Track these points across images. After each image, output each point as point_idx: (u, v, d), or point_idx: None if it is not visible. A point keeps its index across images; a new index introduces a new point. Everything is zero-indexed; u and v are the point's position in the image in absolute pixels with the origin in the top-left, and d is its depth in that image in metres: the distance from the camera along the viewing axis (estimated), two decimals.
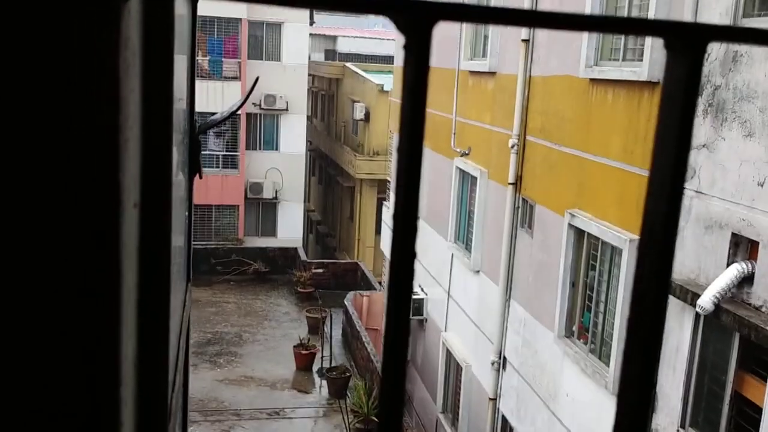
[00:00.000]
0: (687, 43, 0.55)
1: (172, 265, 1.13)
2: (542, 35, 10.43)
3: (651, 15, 7.70)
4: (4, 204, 0.47)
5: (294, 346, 18.87)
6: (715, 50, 6.84)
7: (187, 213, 1.65)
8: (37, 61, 0.46)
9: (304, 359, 18.62)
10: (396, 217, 0.54)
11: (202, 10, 27.88)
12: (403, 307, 0.53)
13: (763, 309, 6.14)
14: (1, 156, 0.47)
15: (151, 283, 0.71)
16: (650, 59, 7.68)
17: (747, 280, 6.32)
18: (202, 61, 26.60)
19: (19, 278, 0.48)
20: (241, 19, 26.59)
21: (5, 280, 0.48)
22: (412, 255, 0.53)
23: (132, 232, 0.63)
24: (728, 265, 6.49)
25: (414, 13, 0.50)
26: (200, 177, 1.76)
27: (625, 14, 8.48)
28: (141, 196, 0.67)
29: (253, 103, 27.29)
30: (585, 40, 9.00)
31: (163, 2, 0.69)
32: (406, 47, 0.52)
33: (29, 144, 0.47)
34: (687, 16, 7.14)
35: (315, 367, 18.68)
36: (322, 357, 18.58)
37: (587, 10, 8.94)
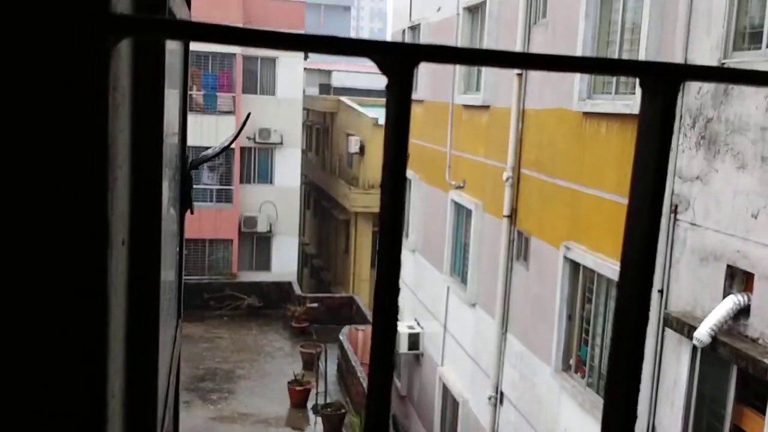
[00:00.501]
0: (661, 82, 0.57)
1: (162, 301, 1.14)
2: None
3: (642, 47, 7.80)
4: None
5: (288, 382, 18.69)
6: (706, 83, 6.92)
7: (178, 249, 1.65)
8: (28, 101, 0.47)
9: (299, 396, 18.43)
10: (380, 252, 0.55)
11: (197, 45, 28.17)
12: (388, 343, 0.54)
13: (760, 341, 6.13)
14: None
15: (140, 320, 0.71)
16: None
17: (743, 312, 6.32)
18: (197, 95, 26.76)
19: (2, 315, 0.49)
20: (235, 54, 26.82)
21: None
22: (396, 288, 0.54)
23: (121, 268, 0.64)
24: (724, 297, 6.48)
25: (395, 55, 0.51)
26: (191, 212, 1.77)
27: (617, 47, 8.59)
28: (130, 233, 0.68)
29: (248, 137, 27.39)
30: (578, 74, 9.10)
31: (153, 46, 0.70)
32: (388, 87, 0.53)
33: (17, 181, 0.48)
34: (678, 49, 7.24)
35: (310, 404, 18.48)
36: (317, 393, 18.39)
37: (579, 43, 9.06)
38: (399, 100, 0.53)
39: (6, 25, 0.46)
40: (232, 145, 27.20)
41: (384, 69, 0.53)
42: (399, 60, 0.52)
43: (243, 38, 0.50)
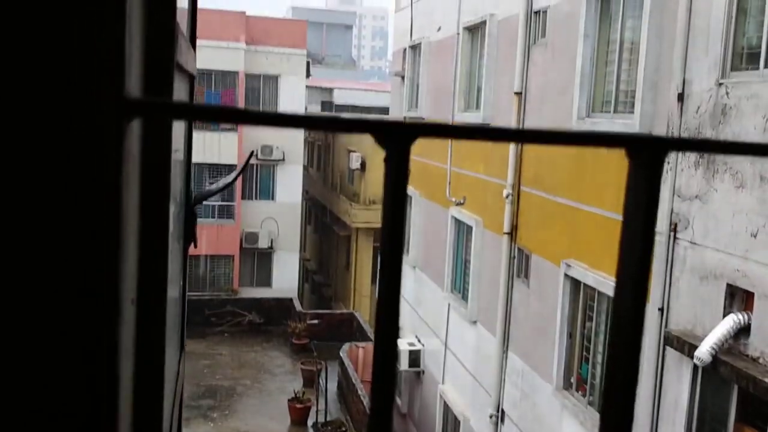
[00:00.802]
0: (647, 154, 0.59)
1: (167, 339, 1.16)
2: (535, 87, 10.60)
3: (641, 67, 7.85)
4: (4, 305, 0.51)
5: (288, 400, 18.63)
6: (704, 102, 6.96)
7: (181, 282, 1.68)
8: (48, 175, 0.50)
9: (299, 413, 18.36)
10: (378, 317, 0.57)
11: (200, 63, 28.24)
12: (390, 360, 0.56)
13: (761, 360, 6.13)
14: (5, 253, 0.50)
15: (144, 372, 0.73)
16: (641, 111, 7.80)
17: (744, 331, 6.32)
18: None
19: (17, 374, 0.51)
20: (238, 72, 26.96)
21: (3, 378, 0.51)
22: (396, 313, 0.56)
23: (129, 328, 0.66)
24: (724, 315, 6.49)
25: (394, 133, 0.54)
26: (195, 246, 1.80)
27: (616, 66, 8.64)
28: (138, 293, 0.71)
29: (254, 157, 27.43)
30: (577, 92, 9.15)
31: (162, 122, 0.73)
32: (386, 160, 0.56)
33: (35, 247, 0.51)
34: (676, 69, 7.28)
35: (310, 422, 18.41)
36: (317, 411, 18.32)
37: (578, 63, 9.11)
38: (397, 173, 0.56)
39: (27, 108, 0.49)
40: (235, 162, 27.24)
41: (383, 144, 0.56)
42: (397, 137, 0.55)
43: (247, 118, 0.53)
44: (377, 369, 0.55)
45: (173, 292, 1.40)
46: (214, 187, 2.68)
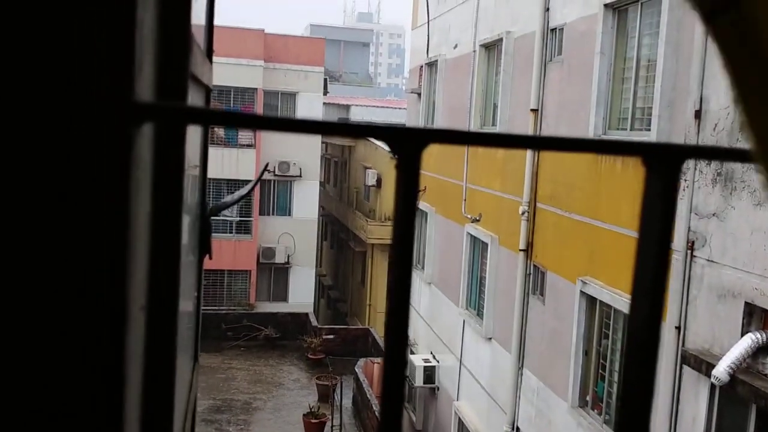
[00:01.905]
0: (663, 161, 0.58)
1: (178, 349, 1.16)
2: (551, 104, 10.59)
3: (657, 84, 7.82)
4: (11, 311, 0.51)
5: (303, 415, 18.58)
6: (722, 120, 6.92)
7: (196, 293, 1.68)
8: (54, 177, 0.50)
9: (314, 428, 18.30)
10: (387, 327, 0.57)
11: (219, 80, 28.39)
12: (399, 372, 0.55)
13: None
14: (11, 261, 0.50)
15: (155, 381, 0.73)
16: (658, 129, 7.77)
17: (762, 350, 6.24)
18: (218, 128, 27.06)
19: (25, 382, 0.51)
20: (257, 89, 27.15)
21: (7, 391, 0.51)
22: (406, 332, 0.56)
23: (138, 334, 0.66)
24: (742, 334, 6.41)
25: (406, 139, 0.54)
26: (210, 258, 1.80)
27: (632, 83, 8.61)
28: (148, 298, 0.70)
29: (267, 170, 27.61)
30: (593, 108, 9.13)
31: (175, 126, 0.74)
32: (397, 167, 0.56)
33: (44, 253, 0.51)
34: (693, 86, 7.24)
35: None
36: (332, 426, 18.26)
37: (594, 80, 9.09)
38: (408, 179, 0.56)
39: (34, 111, 0.49)
40: (252, 178, 27.39)
41: (395, 150, 0.56)
42: (409, 142, 0.55)
43: (259, 124, 0.53)
44: (386, 385, 0.54)
45: (187, 302, 1.40)
46: (229, 199, 2.69)
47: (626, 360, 0.61)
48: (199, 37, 1.50)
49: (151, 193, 0.67)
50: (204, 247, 1.69)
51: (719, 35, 0.48)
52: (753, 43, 0.46)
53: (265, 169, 3.30)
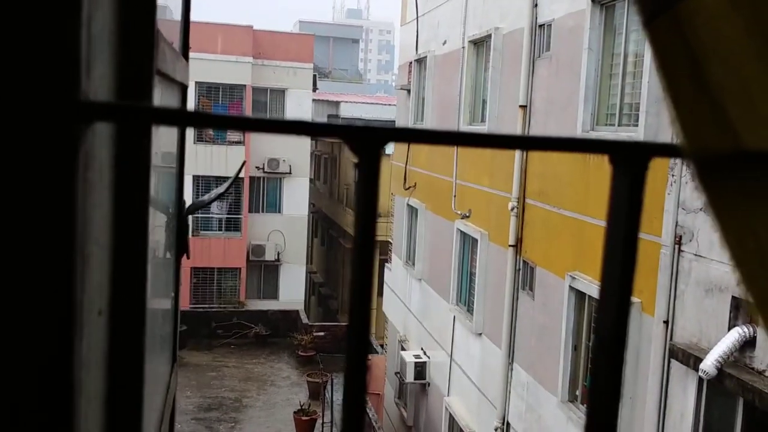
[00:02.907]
0: (629, 160, 0.58)
1: (153, 348, 1.14)
2: (539, 100, 10.60)
3: (645, 80, 7.83)
4: None
5: (294, 412, 18.57)
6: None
7: (173, 294, 1.66)
8: None
9: (305, 425, 18.30)
10: (350, 326, 0.55)
11: (208, 76, 28.14)
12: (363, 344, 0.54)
13: (767, 373, 6.07)
14: None
15: (122, 386, 0.72)
16: (646, 124, 7.78)
17: (749, 343, 6.27)
18: None
19: None
20: (245, 85, 27.07)
21: None
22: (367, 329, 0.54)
23: (97, 338, 0.65)
24: (730, 328, 6.44)
25: (365, 138, 0.53)
26: (188, 257, 1.79)
27: (620, 79, 8.63)
28: (110, 302, 0.69)
29: (257, 167, 27.56)
30: (581, 104, 9.14)
31: (137, 127, 0.72)
32: (357, 166, 0.55)
33: None
34: None
35: None
36: (323, 423, 18.26)
37: (582, 76, 9.10)
38: (368, 178, 0.55)
39: None
40: (242, 175, 27.33)
41: (354, 150, 0.55)
42: (367, 141, 0.54)
43: (212, 123, 0.51)
44: (350, 340, 0.53)
45: (162, 303, 1.38)
46: (206, 197, 2.67)
47: (594, 359, 0.60)
48: (172, 34, 1.48)
49: (112, 194, 0.66)
50: (181, 247, 1.67)
51: (655, 37, 0.49)
52: (686, 45, 0.47)
53: (242, 167, 3.28)
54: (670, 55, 0.49)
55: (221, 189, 2.64)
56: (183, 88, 1.65)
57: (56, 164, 0.48)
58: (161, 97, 1.09)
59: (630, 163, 0.57)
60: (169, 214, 1.50)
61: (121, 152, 0.66)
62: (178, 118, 0.52)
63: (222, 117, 0.52)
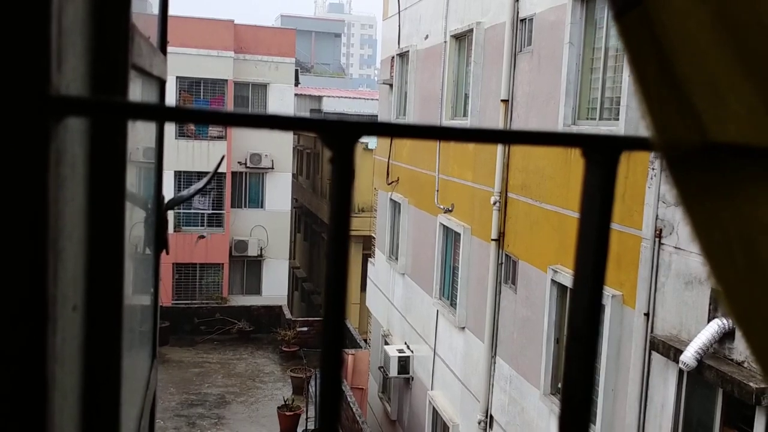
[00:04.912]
0: (602, 153, 0.58)
1: (131, 344, 1.14)
2: (521, 95, 10.63)
3: (625, 74, 7.88)
4: None
5: (278, 408, 18.55)
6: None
7: (153, 289, 1.66)
8: None
9: (289, 421, 18.28)
10: (325, 319, 0.56)
11: (189, 71, 27.97)
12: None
13: (745, 365, 6.15)
14: None
15: (98, 382, 0.71)
16: (626, 118, 7.83)
17: (728, 335, 6.34)
18: None
19: None
20: (227, 80, 26.93)
21: None
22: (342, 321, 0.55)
23: (71, 333, 0.64)
24: (709, 320, 6.51)
25: (338, 131, 0.53)
26: (167, 253, 1.78)
27: (601, 73, 8.68)
28: (86, 297, 0.68)
29: (239, 162, 27.45)
30: (563, 98, 9.18)
31: (111, 122, 0.71)
32: (331, 161, 0.55)
33: None
34: None
35: (300, 429, 18.34)
36: (306, 418, 18.26)
37: (563, 70, 9.14)
38: (342, 172, 0.55)
39: None
40: (224, 170, 27.20)
41: (327, 144, 0.55)
42: (341, 135, 0.54)
43: (181, 116, 0.51)
44: (325, 338, 0.53)
45: (140, 299, 1.38)
46: (185, 192, 2.67)
47: (567, 349, 0.61)
48: (150, 28, 1.47)
49: (86, 189, 0.65)
50: (160, 242, 1.67)
51: (625, 31, 0.50)
52: (655, 40, 0.48)
53: (220, 162, 3.26)
54: (639, 49, 0.50)
55: (200, 184, 2.63)
56: (161, 83, 1.64)
57: (26, 160, 0.48)
58: (138, 92, 1.09)
59: (602, 156, 0.58)
60: (148, 210, 1.49)
61: (96, 148, 0.66)
62: (154, 112, 0.52)
63: (197, 111, 0.52)
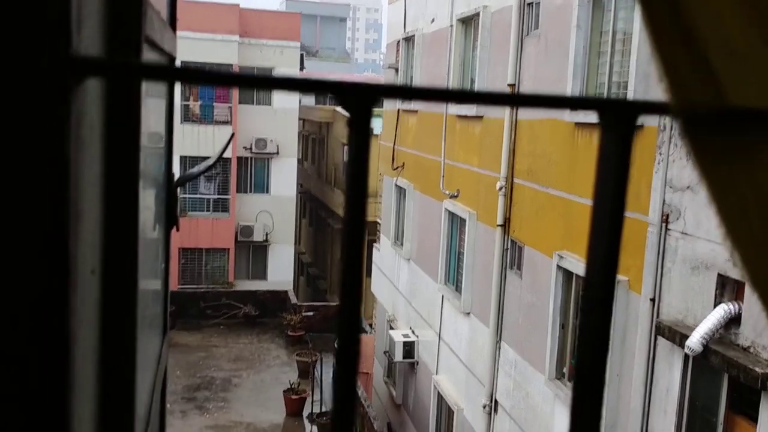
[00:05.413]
0: (618, 118, 0.58)
1: (143, 318, 1.15)
2: (528, 79, 10.59)
3: (633, 58, 7.83)
4: None
5: (284, 391, 18.66)
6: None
7: (163, 265, 1.67)
8: None
9: (295, 404, 18.39)
10: (343, 281, 0.56)
11: (193, 56, 27.93)
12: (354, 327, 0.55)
13: (751, 350, 6.15)
14: None
15: (114, 347, 0.72)
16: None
17: (734, 320, 6.34)
18: (194, 105, 26.80)
19: None
20: (232, 65, 26.87)
21: None
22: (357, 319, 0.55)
23: (90, 297, 0.65)
24: (715, 305, 6.51)
25: (356, 94, 0.53)
26: (177, 230, 1.78)
27: (608, 57, 8.63)
28: (103, 262, 0.69)
29: (244, 147, 27.45)
30: (570, 82, 9.14)
31: (128, 83, 0.72)
32: (349, 123, 0.55)
33: None
34: None
35: (305, 412, 18.45)
36: (312, 402, 18.36)
37: (570, 54, 9.10)
38: (360, 134, 0.55)
39: None
40: (230, 155, 27.21)
41: (346, 106, 0.55)
42: (359, 97, 0.54)
43: (203, 79, 0.52)
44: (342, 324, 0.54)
45: (152, 273, 1.39)
46: (195, 169, 2.67)
47: (582, 314, 0.61)
48: (160, 3, 1.47)
49: (103, 152, 0.66)
50: (171, 219, 1.67)
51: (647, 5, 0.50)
52: (677, 8, 0.48)
53: (231, 139, 3.27)
54: (656, 10, 0.50)
55: (210, 161, 2.64)
56: (171, 60, 1.64)
57: (50, 119, 0.48)
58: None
59: (619, 121, 0.58)
60: (159, 186, 1.50)
61: (112, 110, 0.66)
62: (167, 73, 0.52)
63: (210, 73, 0.52)
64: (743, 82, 0.52)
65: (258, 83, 0.54)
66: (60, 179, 0.48)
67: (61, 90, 0.48)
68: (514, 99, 0.56)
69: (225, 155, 26.42)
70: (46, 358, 0.49)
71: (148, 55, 1.00)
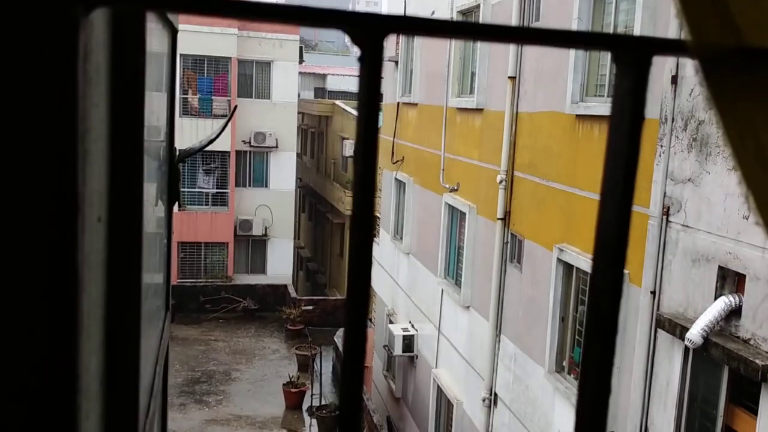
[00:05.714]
0: (633, 55, 0.57)
1: (147, 285, 1.14)
2: (529, 72, 10.57)
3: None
4: None
5: (283, 385, 18.67)
6: (698, 85, 6.94)
7: (166, 241, 1.66)
8: None
9: (294, 398, 18.41)
10: (352, 229, 0.55)
11: (193, 49, 27.83)
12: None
13: (752, 342, 6.15)
14: None
15: (119, 295, 0.71)
16: None
17: (735, 313, 6.34)
18: (193, 99, 26.74)
19: None
20: (231, 57, 26.83)
21: None
22: (369, 262, 0.54)
23: (97, 244, 0.64)
24: (716, 298, 6.50)
25: (366, 26, 0.52)
26: (180, 207, 1.78)
27: (609, 56, 8.60)
28: (108, 211, 0.68)
29: (243, 141, 27.41)
30: (570, 76, 9.13)
31: (132, 22, 0.70)
32: (360, 59, 0.54)
33: None
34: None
35: (305, 406, 18.46)
36: (312, 395, 18.38)
37: (571, 57, 9.06)
38: (370, 71, 0.54)
39: None
40: (228, 149, 27.11)
41: (355, 40, 0.54)
42: (370, 30, 0.53)
43: (210, 8, 0.50)
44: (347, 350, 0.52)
45: (156, 244, 1.38)
46: (196, 144, 2.66)
47: (592, 277, 0.59)
48: None
49: (108, 87, 0.65)
50: (173, 194, 1.66)
51: None
52: None
53: (233, 112, 3.27)
54: None
55: (212, 135, 2.63)
56: (173, 32, 1.62)
57: (58, 49, 0.47)
58: (156, 38, 1.07)
59: (633, 58, 0.57)
60: (161, 161, 1.49)
61: (117, 43, 0.65)
62: (174, 3, 0.51)
63: (216, 2, 0.51)
64: (761, 23, 0.51)
65: (263, 13, 0.53)
66: (68, 110, 0.47)
67: (70, 19, 0.47)
68: (526, 34, 0.55)
69: (224, 149, 26.39)
70: (56, 302, 0.48)
71: (157, 28, 0.99)
